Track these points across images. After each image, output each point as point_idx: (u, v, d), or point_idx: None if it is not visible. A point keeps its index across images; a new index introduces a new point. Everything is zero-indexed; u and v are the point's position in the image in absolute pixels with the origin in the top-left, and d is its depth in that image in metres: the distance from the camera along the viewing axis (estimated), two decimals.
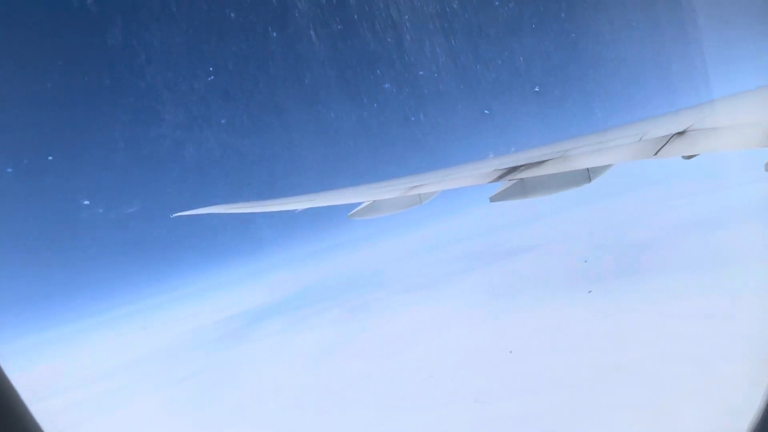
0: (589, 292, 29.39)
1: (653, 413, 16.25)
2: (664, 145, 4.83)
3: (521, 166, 6.05)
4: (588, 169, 5.54)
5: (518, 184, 5.67)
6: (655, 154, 4.75)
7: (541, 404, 19.13)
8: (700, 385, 16.79)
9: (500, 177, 6.01)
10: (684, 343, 20.08)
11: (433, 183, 7.35)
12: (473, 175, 6.73)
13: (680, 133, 4.90)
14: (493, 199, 5.78)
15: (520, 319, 29.39)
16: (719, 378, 16.72)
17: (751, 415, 2.45)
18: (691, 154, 4.68)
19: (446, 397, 22.23)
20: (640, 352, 20.55)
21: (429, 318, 35.75)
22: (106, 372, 48.00)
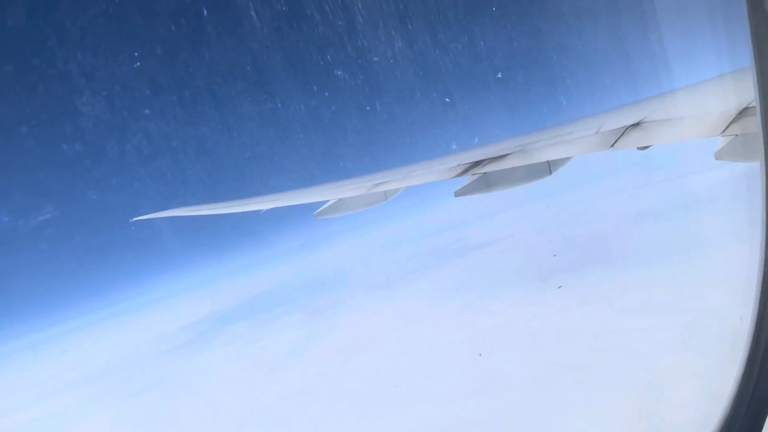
0: (559, 287, 29.70)
1: (615, 410, 16.58)
2: (620, 137, 4.97)
3: (484, 160, 6.13)
4: (548, 162, 5.67)
5: (482, 178, 5.75)
6: (612, 146, 4.89)
7: (508, 402, 19.37)
8: (656, 380, 17.11)
9: (464, 172, 6.07)
10: (640, 336, 20.55)
11: (397, 180, 7.37)
12: (437, 171, 6.78)
13: (635, 125, 5.05)
14: (457, 194, 5.85)
15: (489, 314, 29.74)
16: (675, 372, 17.09)
17: (717, 410, 2.55)
18: (645, 145, 4.83)
19: (415, 397, 22.31)
20: (601, 346, 20.92)
21: (397, 316, 35.88)
22: (59, 387, 46.38)
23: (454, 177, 6.21)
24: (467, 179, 5.96)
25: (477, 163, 6.13)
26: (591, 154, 5.31)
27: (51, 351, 72.93)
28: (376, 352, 29.45)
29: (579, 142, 5.53)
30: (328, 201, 7.41)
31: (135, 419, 31.25)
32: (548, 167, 5.75)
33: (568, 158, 5.75)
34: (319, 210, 7.41)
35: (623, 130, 5.05)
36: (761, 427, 2.50)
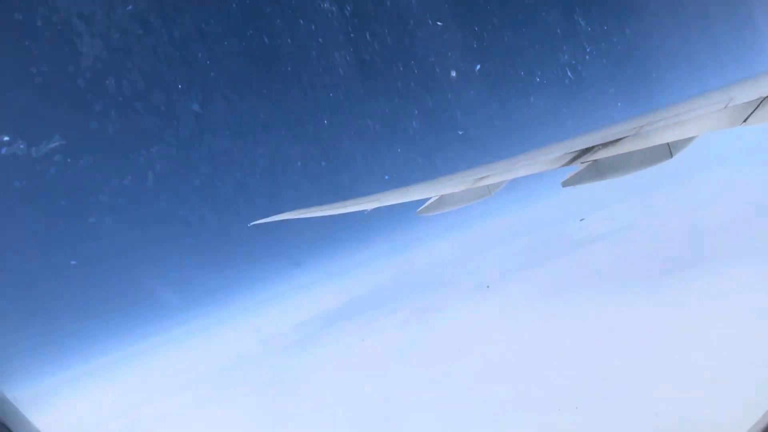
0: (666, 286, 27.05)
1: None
2: (754, 110, 4.42)
3: (594, 146, 5.76)
4: (669, 144, 5.18)
5: (592, 165, 5.40)
6: (744, 121, 4.37)
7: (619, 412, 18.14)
8: None
9: (572, 160, 5.75)
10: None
11: (500, 173, 7.16)
12: (542, 161, 6.48)
13: None
14: (565, 184, 5.55)
15: (602, 315, 27.93)
16: None
17: None
18: None
19: (521, 401, 21.61)
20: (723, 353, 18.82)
21: (503, 316, 34.84)
22: (180, 384, 50.27)
23: (562, 166, 5.91)
24: (576, 168, 5.64)
25: (586, 150, 5.78)
26: (719, 132, 4.78)
27: (171, 352, 79.83)
28: (482, 353, 28.96)
29: (704, 119, 5.01)
30: (430, 198, 7.39)
31: (248, 416, 33.29)
32: (668, 150, 5.25)
33: (691, 138, 5.22)
34: (421, 207, 7.42)
35: (758, 102, 4.49)
36: None
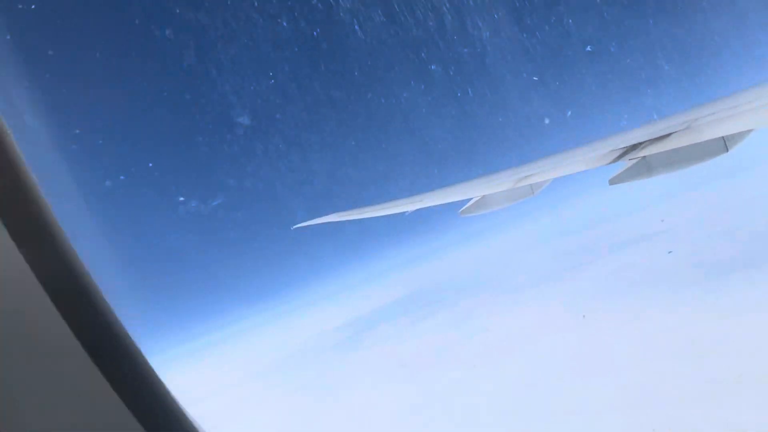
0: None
1: None
2: None
3: (642, 142, 5.57)
4: (724, 137, 4.95)
5: (641, 162, 5.23)
6: None
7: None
8: None
9: (619, 157, 5.59)
10: None
11: (544, 171, 7.03)
12: (588, 158, 6.33)
13: None
14: (613, 182, 5.40)
15: (649, 318, 26.85)
16: None
17: None
18: None
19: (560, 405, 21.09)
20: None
21: (547, 318, 34.01)
22: (233, 382, 51.44)
23: (608, 164, 5.75)
24: (623, 165, 5.48)
25: (634, 147, 5.60)
26: None
27: (223, 349, 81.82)
28: (526, 354, 28.43)
29: (761, 111, 4.77)
30: (472, 198, 7.34)
31: (300, 413, 33.87)
32: (723, 144, 5.02)
33: (747, 131, 4.98)
34: (463, 208, 7.37)
35: None
36: None
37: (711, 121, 5.22)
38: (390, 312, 58.18)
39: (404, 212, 8.50)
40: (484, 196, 7.12)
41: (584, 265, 43.68)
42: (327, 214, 11.02)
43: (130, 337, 1.46)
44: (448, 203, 8.00)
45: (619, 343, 25.05)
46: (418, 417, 25.87)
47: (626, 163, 5.45)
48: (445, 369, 31.46)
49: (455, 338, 37.27)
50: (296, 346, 58.75)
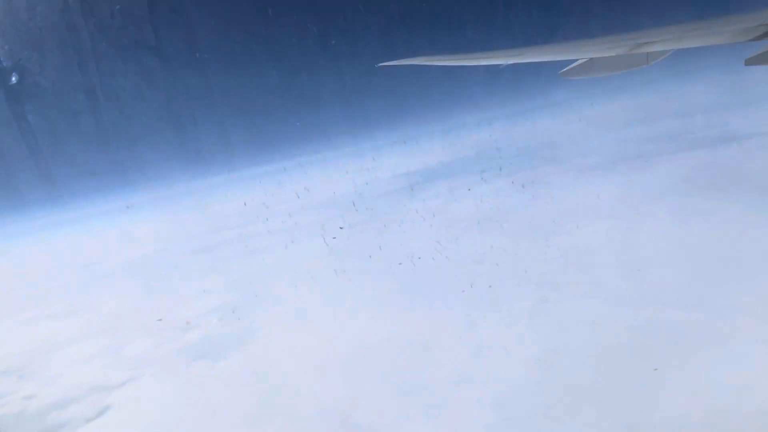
0: None
1: None
2: None
3: None
4: None
5: None
6: None
7: None
8: None
9: (765, 34, 4.85)
10: None
11: (667, 40, 6.24)
12: (725, 32, 5.52)
13: None
14: (749, 62, 4.76)
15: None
16: None
17: None
18: None
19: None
20: None
21: (611, 206, 31.52)
22: (293, 211, 53.44)
23: (749, 41, 5.01)
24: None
25: None
26: None
27: (286, 183, 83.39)
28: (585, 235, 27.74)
29: None
30: (577, 60, 6.75)
31: (343, 251, 35.78)
32: None
33: None
34: (566, 69, 6.84)
35: None
36: None
37: None
38: (450, 169, 56.99)
39: (499, 65, 7.99)
40: (591, 59, 6.53)
41: (670, 154, 40.34)
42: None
43: None
44: (549, 62, 7.40)
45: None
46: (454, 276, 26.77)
47: None
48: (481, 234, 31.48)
49: (516, 202, 36.83)
50: (355, 189, 59.11)
